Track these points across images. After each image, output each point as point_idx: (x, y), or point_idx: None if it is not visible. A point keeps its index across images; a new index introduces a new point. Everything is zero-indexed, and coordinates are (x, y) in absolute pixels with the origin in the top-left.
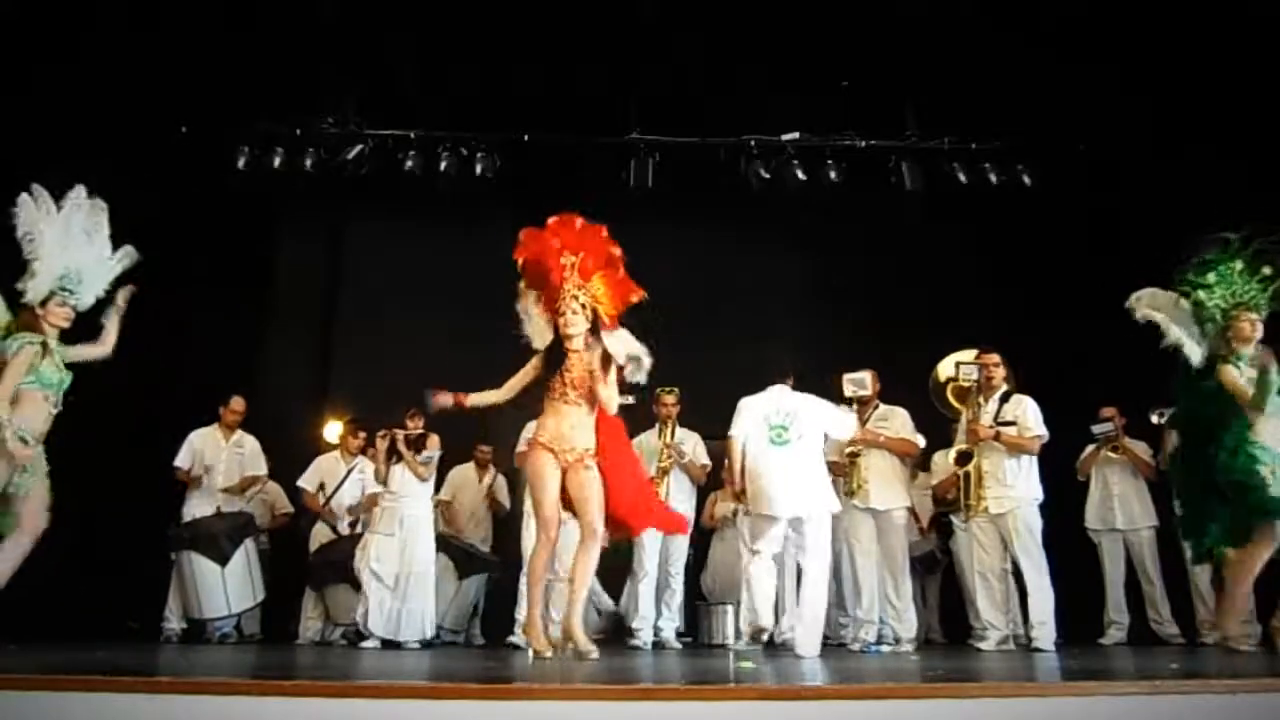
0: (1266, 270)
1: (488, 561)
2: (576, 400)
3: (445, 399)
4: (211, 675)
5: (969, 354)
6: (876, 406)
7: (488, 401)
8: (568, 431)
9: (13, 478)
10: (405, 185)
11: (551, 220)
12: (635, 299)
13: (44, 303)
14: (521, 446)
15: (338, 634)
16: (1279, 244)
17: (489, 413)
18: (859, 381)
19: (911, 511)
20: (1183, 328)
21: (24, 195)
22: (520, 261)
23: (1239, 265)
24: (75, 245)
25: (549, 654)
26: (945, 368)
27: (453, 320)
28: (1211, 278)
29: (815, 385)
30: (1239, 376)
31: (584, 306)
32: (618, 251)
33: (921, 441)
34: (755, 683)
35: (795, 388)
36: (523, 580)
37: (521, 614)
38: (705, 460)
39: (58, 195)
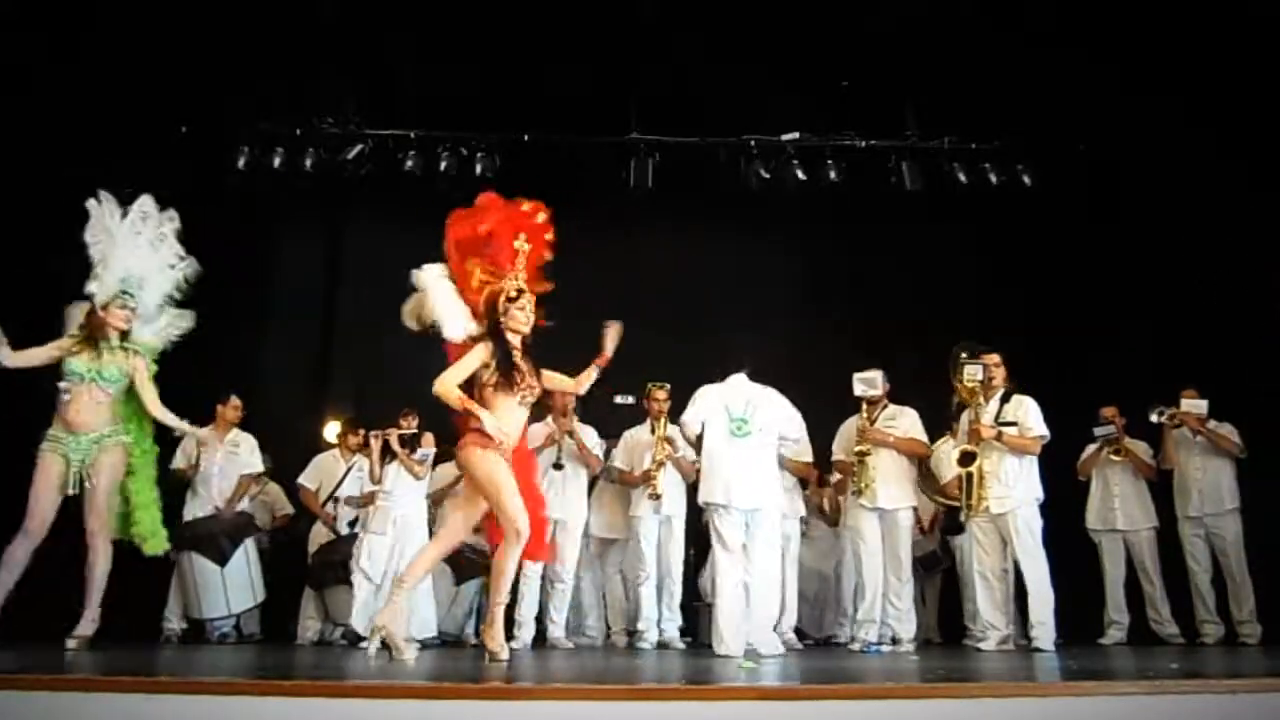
0: None
1: (486, 566)
2: (526, 400)
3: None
4: (211, 675)
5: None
6: (885, 406)
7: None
8: (517, 429)
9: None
10: (405, 185)
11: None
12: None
13: (106, 305)
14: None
15: (338, 634)
16: None
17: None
18: (870, 380)
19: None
20: None
21: (91, 201)
22: (465, 229)
23: None
24: (140, 252)
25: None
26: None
27: None
28: None
29: (812, 386)
30: None
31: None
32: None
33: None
34: (755, 683)
35: (752, 379)
36: (523, 580)
37: (521, 613)
38: (695, 456)
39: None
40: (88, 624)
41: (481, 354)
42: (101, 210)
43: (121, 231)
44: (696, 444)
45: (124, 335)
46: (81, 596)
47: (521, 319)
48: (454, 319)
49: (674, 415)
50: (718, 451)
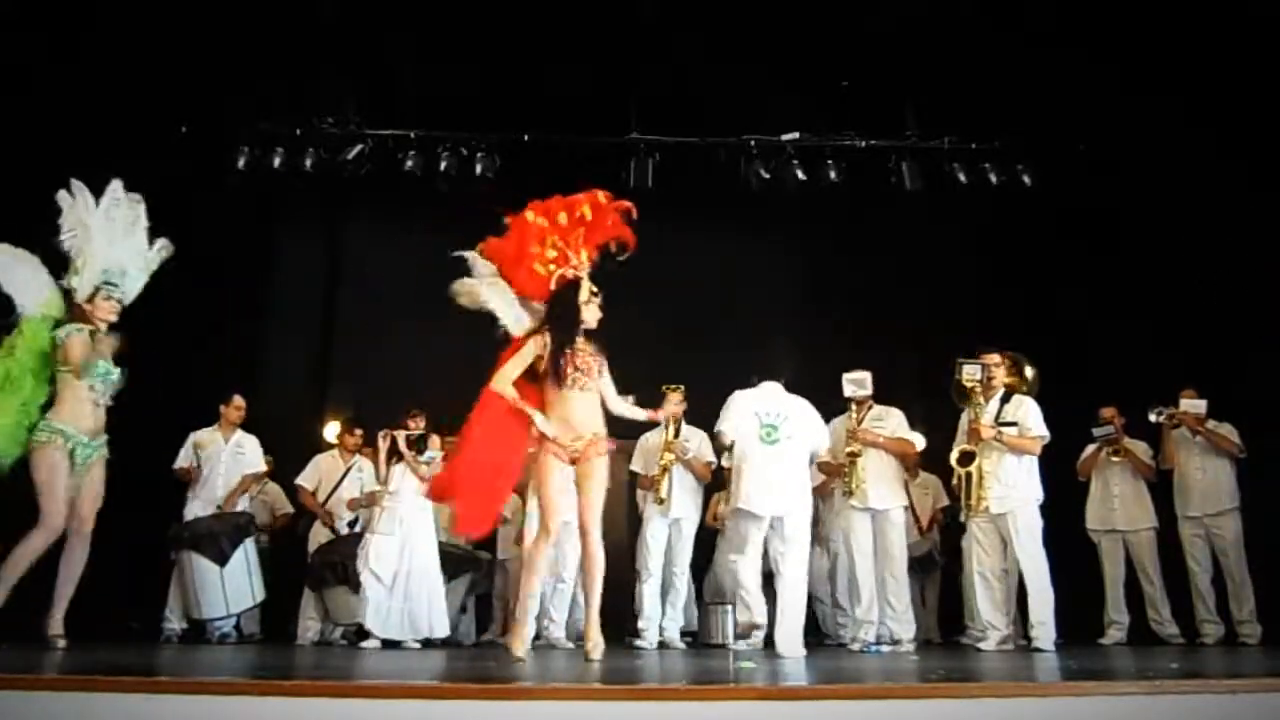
0: None
1: (473, 561)
2: (585, 386)
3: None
4: (211, 675)
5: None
6: (871, 407)
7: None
8: (582, 418)
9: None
10: (405, 185)
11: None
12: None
13: (90, 298)
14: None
15: (338, 634)
16: None
17: None
18: (859, 381)
19: (910, 511)
20: None
21: (63, 192)
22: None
23: None
24: (116, 239)
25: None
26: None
27: (452, 320)
28: None
29: (812, 386)
30: None
31: None
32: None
33: (921, 442)
34: (755, 683)
35: (787, 389)
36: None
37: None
38: (710, 458)
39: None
40: (58, 622)
41: (534, 347)
42: (75, 202)
43: (96, 222)
44: (728, 451)
45: (111, 327)
46: (52, 593)
47: (596, 314)
48: (517, 318)
49: (688, 417)
50: (746, 457)
